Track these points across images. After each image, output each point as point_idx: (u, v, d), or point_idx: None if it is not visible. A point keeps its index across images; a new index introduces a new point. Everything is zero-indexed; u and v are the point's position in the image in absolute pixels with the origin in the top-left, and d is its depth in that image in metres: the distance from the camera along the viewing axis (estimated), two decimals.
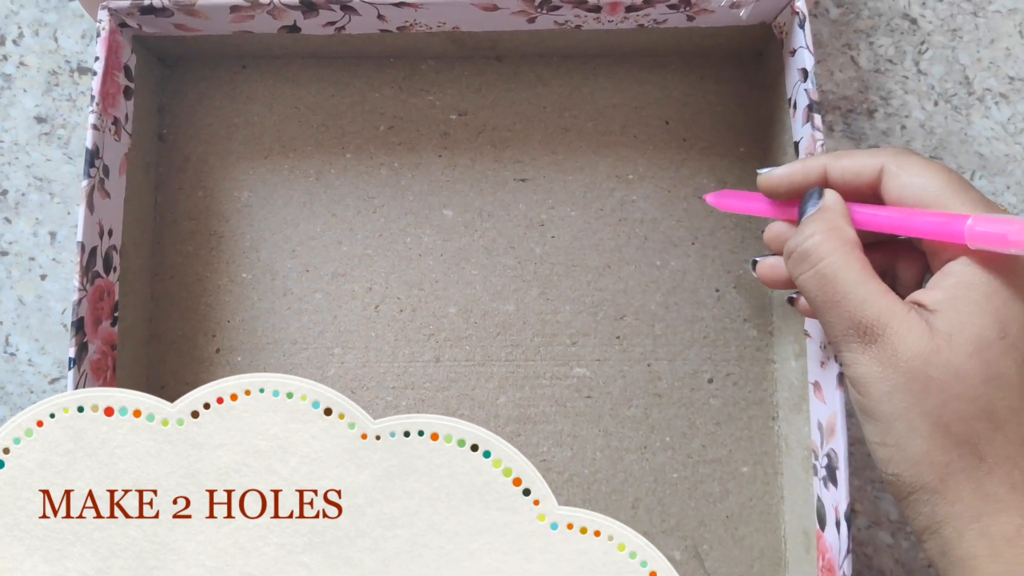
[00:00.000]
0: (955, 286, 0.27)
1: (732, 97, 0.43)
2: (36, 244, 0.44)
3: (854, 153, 0.31)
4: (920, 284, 0.32)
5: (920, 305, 0.28)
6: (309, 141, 0.43)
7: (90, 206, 0.37)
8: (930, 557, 0.28)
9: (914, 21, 0.45)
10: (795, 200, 0.33)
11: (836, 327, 0.29)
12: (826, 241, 0.29)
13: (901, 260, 0.32)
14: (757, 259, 0.37)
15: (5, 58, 0.45)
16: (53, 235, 0.44)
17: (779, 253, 0.34)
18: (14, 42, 0.45)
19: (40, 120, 0.45)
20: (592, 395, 0.41)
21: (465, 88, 0.44)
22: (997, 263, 0.27)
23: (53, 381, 0.43)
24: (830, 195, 0.30)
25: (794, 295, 0.37)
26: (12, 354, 0.43)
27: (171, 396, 0.41)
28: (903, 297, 0.28)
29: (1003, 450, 0.26)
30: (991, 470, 0.26)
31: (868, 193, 0.31)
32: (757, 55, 0.44)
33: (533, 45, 0.42)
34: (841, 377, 0.35)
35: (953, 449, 0.27)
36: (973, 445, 0.26)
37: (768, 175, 0.33)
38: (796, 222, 0.32)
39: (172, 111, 0.44)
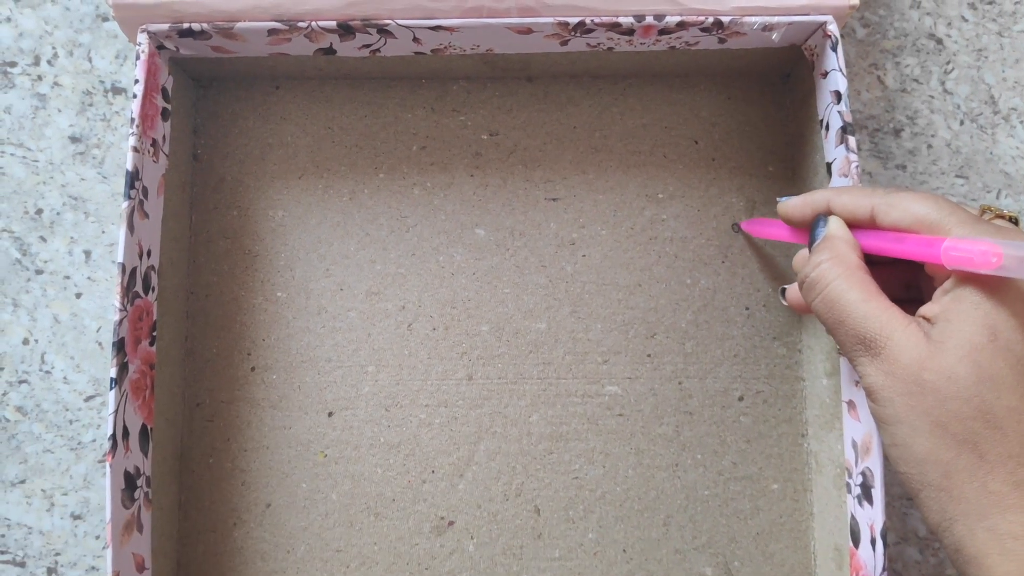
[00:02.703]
0: (949, 299, 0.29)
1: (761, 117, 0.44)
2: (71, 263, 0.44)
3: (852, 190, 0.33)
4: None
5: (924, 318, 0.30)
6: (343, 161, 0.44)
7: (130, 227, 0.37)
8: (949, 556, 0.30)
9: (940, 41, 0.45)
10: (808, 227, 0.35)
11: (845, 343, 0.31)
12: (831, 268, 0.31)
13: (921, 274, 0.34)
14: (785, 287, 0.39)
15: (40, 78, 0.46)
16: (88, 254, 0.44)
17: None
18: (48, 62, 0.46)
19: (75, 140, 0.45)
20: (624, 413, 0.42)
21: (496, 109, 0.44)
22: (986, 276, 0.29)
23: (88, 399, 0.43)
24: (833, 223, 0.33)
25: None
26: (48, 372, 0.44)
27: (207, 414, 0.42)
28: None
29: (1003, 448, 0.28)
30: (992, 469, 0.28)
31: (867, 225, 0.33)
32: (785, 76, 0.44)
33: (564, 66, 0.43)
34: None
35: (954, 448, 0.28)
36: (973, 444, 0.28)
37: (785, 204, 0.36)
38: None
39: (207, 131, 0.44)
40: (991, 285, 0.29)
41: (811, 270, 0.32)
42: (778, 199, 0.36)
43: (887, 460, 0.42)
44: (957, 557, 0.29)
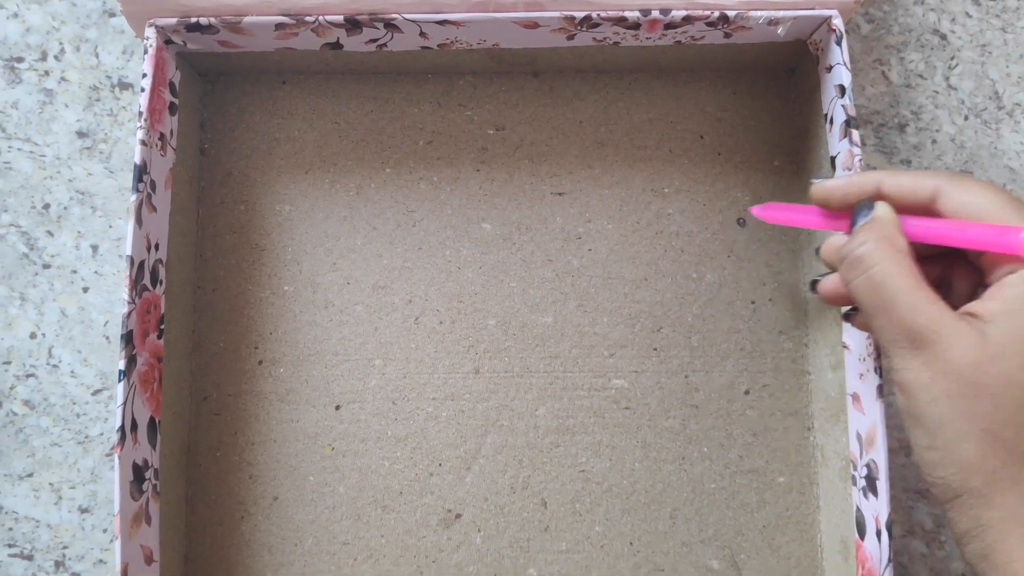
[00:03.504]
0: (1011, 298, 0.28)
1: (766, 112, 0.44)
2: (78, 257, 0.44)
3: (910, 172, 0.32)
4: (973, 297, 0.32)
5: (972, 315, 0.28)
6: (349, 156, 0.44)
7: (139, 220, 0.37)
8: (970, 561, 0.29)
9: (944, 37, 0.46)
10: (844, 212, 0.33)
11: (886, 332, 0.29)
12: (878, 248, 0.30)
13: (955, 273, 0.33)
14: (817, 278, 0.37)
15: (47, 73, 0.46)
16: (95, 248, 0.44)
17: (836, 268, 0.35)
18: (56, 58, 0.46)
19: (82, 135, 0.45)
20: (630, 406, 0.42)
21: (503, 104, 0.44)
22: None
23: (96, 392, 0.44)
24: (881, 206, 0.31)
25: (851, 311, 0.37)
26: (55, 366, 0.44)
27: (214, 407, 0.42)
28: (955, 309, 0.29)
29: None
30: None
31: (920, 211, 0.31)
32: (790, 71, 0.44)
33: (570, 61, 0.43)
34: (881, 389, 0.35)
35: (1001, 455, 0.27)
36: (1022, 453, 0.27)
37: (822, 185, 0.34)
38: (847, 233, 0.32)
39: (213, 126, 0.44)
40: None
41: (856, 246, 0.30)
42: (813, 180, 0.34)
43: (892, 457, 0.42)
44: (983, 564, 0.28)
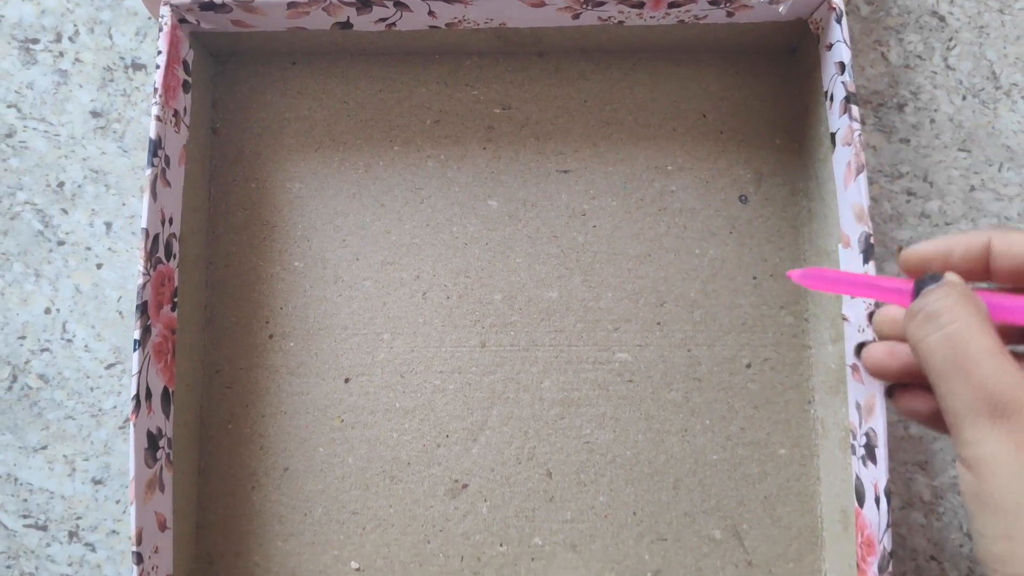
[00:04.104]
0: None
1: (767, 91, 0.45)
2: (92, 234, 0.45)
3: (1020, 229, 0.30)
4: None
5: None
6: (358, 135, 0.45)
7: (153, 194, 0.38)
8: None
9: (942, 18, 0.46)
10: (901, 281, 0.32)
11: (961, 398, 0.26)
12: (959, 305, 0.27)
13: None
14: (864, 342, 0.35)
15: (61, 54, 0.47)
16: (109, 225, 0.45)
17: (891, 338, 0.33)
18: (70, 39, 0.47)
19: (96, 114, 0.46)
20: (634, 379, 0.43)
21: (508, 83, 0.45)
22: None
23: (109, 367, 0.44)
24: (952, 275, 0.29)
25: (893, 387, 0.34)
26: (69, 340, 0.45)
27: (226, 380, 0.43)
28: None
29: None
30: None
31: (982, 271, 0.30)
32: (791, 51, 0.45)
33: (575, 41, 0.44)
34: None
35: None
36: None
37: (916, 249, 0.31)
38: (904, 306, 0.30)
39: (225, 105, 0.45)
40: None
41: (932, 301, 0.27)
42: (901, 247, 0.32)
43: (891, 428, 0.41)
44: None
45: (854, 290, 0.33)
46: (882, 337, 0.34)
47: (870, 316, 0.35)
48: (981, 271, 0.31)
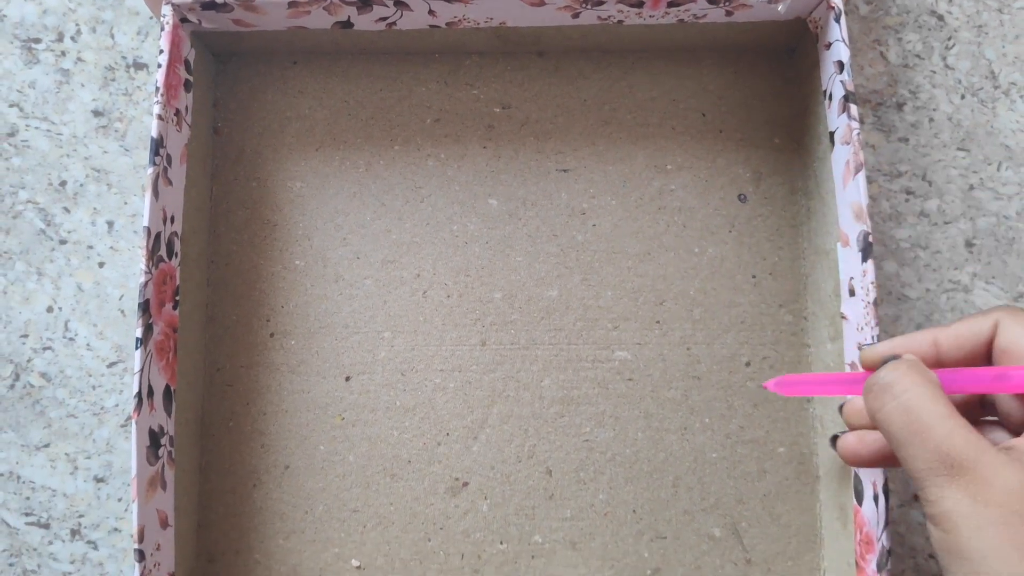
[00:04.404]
0: None
1: (766, 90, 0.45)
2: (94, 233, 0.45)
3: (963, 319, 0.32)
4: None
5: (1009, 448, 0.28)
6: (359, 134, 0.45)
7: (155, 193, 0.38)
8: None
9: (941, 18, 0.46)
10: (865, 375, 0.33)
11: (919, 460, 0.28)
12: (908, 375, 0.29)
13: (979, 410, 0.33)
14: (838, 434, 0.37)
15: (63, 54, 0.47)
16: (110, 224, 0.45)
17: (860, 427, 0.35)
18: (72, 38, 0.47)
19: (97, 114, 0.46)
20: (633, 377, 0.43)
21: (508, 83, 0.45)
22: None
23: (111, 365, 0.45)
24: (907, 356, 0.31)
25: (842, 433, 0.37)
26: (71, 339, 0.45)
27: (227, 378, 0.43)
28: None
29: None
30: None
31: (979, 355, 0.31)
32: (790, 51, 0.45)
33: (574, 40, 0.44)
34: None
35: None
36: None
37: (873, 350, 0.33)
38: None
39: (226, 105, 0.45)
40: None
41: (885, 375, 0.30)
42: (861, 346, 0.34)
43: None
44: None
45: (823, 389, 0.35)
46: (852, 427, 0.36)
47: (840, 408, 0.37)
48: (932, 365, 0.32)
